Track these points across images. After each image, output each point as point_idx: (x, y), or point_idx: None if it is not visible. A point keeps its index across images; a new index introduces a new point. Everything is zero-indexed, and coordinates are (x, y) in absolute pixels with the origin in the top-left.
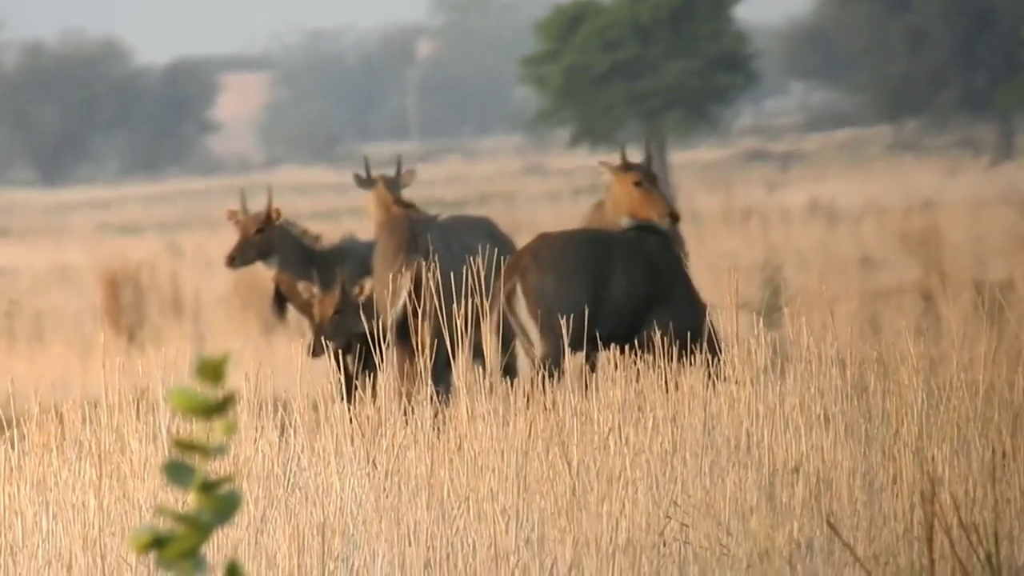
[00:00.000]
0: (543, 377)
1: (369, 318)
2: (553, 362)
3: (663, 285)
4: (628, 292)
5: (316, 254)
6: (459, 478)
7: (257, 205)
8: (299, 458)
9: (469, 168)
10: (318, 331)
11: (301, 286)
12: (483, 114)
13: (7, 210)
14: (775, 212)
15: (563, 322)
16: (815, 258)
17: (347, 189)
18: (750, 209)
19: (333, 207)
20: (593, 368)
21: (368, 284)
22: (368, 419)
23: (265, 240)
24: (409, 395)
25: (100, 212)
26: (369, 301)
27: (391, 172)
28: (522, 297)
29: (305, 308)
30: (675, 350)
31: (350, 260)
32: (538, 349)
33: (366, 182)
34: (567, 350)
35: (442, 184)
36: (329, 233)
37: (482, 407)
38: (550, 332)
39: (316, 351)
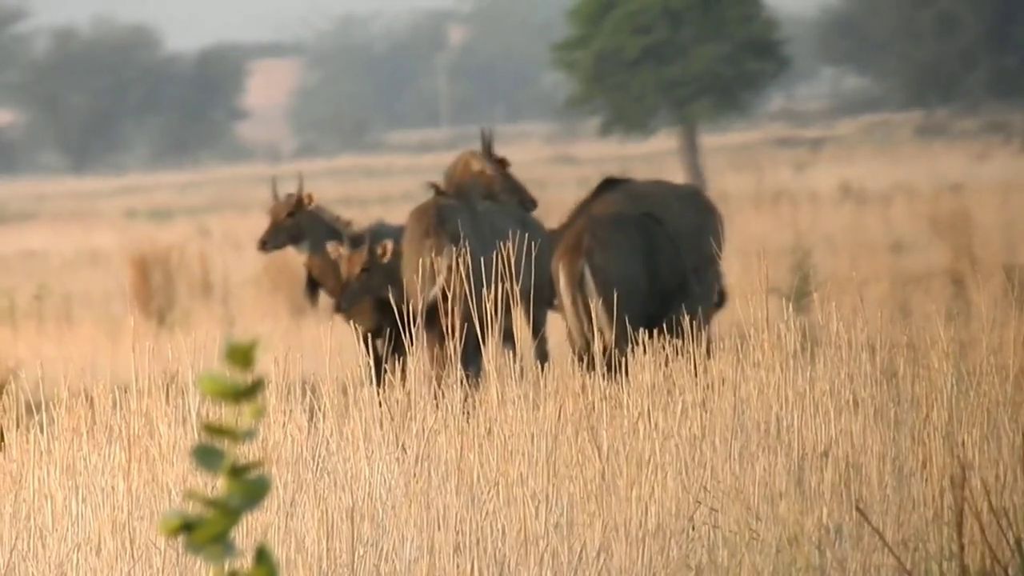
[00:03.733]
0: (613, 358)
1: (395, 283)
2: (625, 341)
3: (685, 268)
4: (665, 272)
5: (346, 239)
6: (489, 462)
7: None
8: (328, 442)
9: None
10: (344, 288)
11: (329, 246)
12: (514, 100)
13: (37, 196)
14: (805, 196)
15: (628, 301)
16: (845, 242)
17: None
18: (780, 193)
19: (363, 193)
20: (623, 352)
21: (390, 245)
22: (397, 403)
23: (296, 224)
24: (439, 379)
25: (129, 198)
26: (395, 265)
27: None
28: (590, 279)
29: (336, 292)
30: (704, 335)
31: (380, 245)
32: (607, 331)
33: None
34: (629, 329)
35: None
36: (359, 220)
37: (512, 391)
38: (619, 311)
39: (343, 307)
